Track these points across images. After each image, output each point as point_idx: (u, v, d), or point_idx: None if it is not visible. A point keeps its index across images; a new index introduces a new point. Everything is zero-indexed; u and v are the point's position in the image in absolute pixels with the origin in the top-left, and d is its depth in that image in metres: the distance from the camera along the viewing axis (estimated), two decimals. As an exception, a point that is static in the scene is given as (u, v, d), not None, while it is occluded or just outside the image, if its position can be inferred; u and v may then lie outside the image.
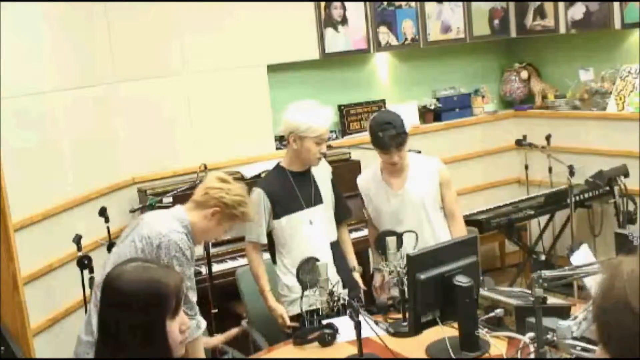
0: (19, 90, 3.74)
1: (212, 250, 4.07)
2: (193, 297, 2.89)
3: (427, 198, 3.53)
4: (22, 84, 3.78)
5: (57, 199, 3.99)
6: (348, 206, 3.68)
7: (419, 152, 4.96)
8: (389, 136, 3.36)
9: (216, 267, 4.20)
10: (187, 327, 1.82)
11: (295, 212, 3.40)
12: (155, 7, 4.65)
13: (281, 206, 3.39)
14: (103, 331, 1.78)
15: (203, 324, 2.94)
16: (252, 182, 4.65)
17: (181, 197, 4.30)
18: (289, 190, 3.40)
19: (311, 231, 3.42)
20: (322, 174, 3.53)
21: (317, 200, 3.46)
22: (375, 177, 3.59)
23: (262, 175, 4.71)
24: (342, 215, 3.61)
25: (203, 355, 2.99)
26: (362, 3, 5.37)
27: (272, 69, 5.09)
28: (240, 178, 4.69)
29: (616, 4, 5.15)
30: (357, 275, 3.62)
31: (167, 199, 4.18)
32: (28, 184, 3.76)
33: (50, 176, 3.97)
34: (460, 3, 5.76)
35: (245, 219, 2.98)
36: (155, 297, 1.73)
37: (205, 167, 4.50)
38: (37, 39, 3.95)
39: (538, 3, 5.71)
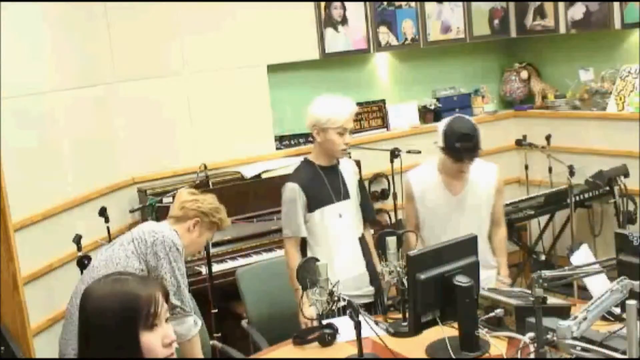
0: (19, 90, 3.74)
1: (212, 250, 4.07)
2: (187, 292, 3.00)
3: (484, 204, 3.51)
4: (22, 84, 3.79)
5: (57, 199, 3.99)
6: (373, 208, 3.69)
7: (419, 152, 4.98)
8: (465, 149, 3.30)
9: (216, 267, 4.20)
10: (171, 340, 1.77)
11: (327, 205, 3.40)
12: (155, 7, 4.65)
13: (314, 199, 3.39)
14: (81, 346, 1.77)
15: (199, 321, 3.01)
16: (251, 182, 4.67)
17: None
18: (320, 183, 3.41)
19: (341, 224, 3.43)
20: (349, 171, 3.54)
21: (345, 194, 3.46)
22: (433, 178, 3.51)
23: (263, 173, 4.72)
24: (367, 216, 3.61)
25: (200, 353, 3.01)
26: (362, 3, 5.37)
27: (272, 69, 5.09)
28: (240, 178, 4.71)
29: (616, 4, 5.15)
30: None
31: (167, 199, 4.18)
32: (28, 184, 3.76)
33: (50, 176, 3.97)
34: (460, 3, 5.76)
35: (224, 225, 3.19)
36: (124, 309, 1.71)
37: (205, 167, 4.51)
38: (37, 39, 3.95)
39: (538, 3, 5.71)
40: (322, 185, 3.40)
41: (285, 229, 3.41)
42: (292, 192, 3.35)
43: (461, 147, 3.30)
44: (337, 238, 3.40)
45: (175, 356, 1.79)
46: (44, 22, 4.02)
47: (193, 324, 2.96)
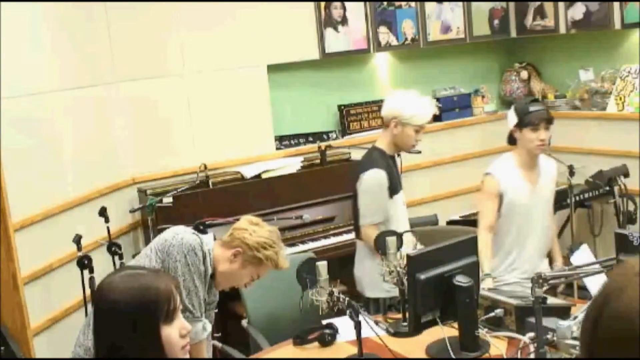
0: (19, 90, 3.73)
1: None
2: (200, 298, 2.91)
3: (551, 195, 3.74)
4: (22, 84, 3.78)
5: (57, 199, 3.99)
6: None
7: (419, 152, 4.97)
8: (540, 111, 3.51)
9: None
10: (187, 331, 1.80)
11: (398, 193, 3.57)
12: (155, 7, 4.65)
13: (392, 186, 3.52)
14: (98, 342, 1.77)
15: (209, 326, 2.95)
16: (252, 182, 4.67)
17: (181, 197, 4.31)
18: (392, 170, 3.55)
19: (404, 213, 3.64)
20: (398, 164, 3.71)
21: (401, 185, 3.65)
22: (514, 171, 3.63)
23: (263, 173, 4.71)
24: None
25: (207, 357, 3.00)
26: (362, 3, 5.37)
27: (272, 69, 5.09)
28: (241, 178, 4.70)
29: (616, 4, 5.15)
30: None
31: (167, 199, 4.19)
32: (28, 184, 3.76)
33: (50, 176, 3.97)
34: (460, 3, 5.76)
35: (273, 263, 2.88)
36: (145, 304, 1.72)
37: (205, 167, 4.51)
38: (37, 39, 3.95)
39: (538, 3, 5.71)
40: (393, 173, 3.56)
41: (373, 216, 3.49)
42: (380, 177, 3.46)
43: (535, 110, 3.51)
44: (404, 225, 3.56)
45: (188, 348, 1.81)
46: (44, 22, 4.01)
47: (201, 329, 2.90)
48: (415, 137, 3.52)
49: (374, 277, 3.43)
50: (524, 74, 6.00)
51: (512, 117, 3.59)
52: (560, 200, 5.11)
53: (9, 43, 3.64)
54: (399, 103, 3.51)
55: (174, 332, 1.76)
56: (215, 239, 2.99)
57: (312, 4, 5.20)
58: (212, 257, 2.88)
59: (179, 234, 2.86)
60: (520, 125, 3.54)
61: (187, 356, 1.82)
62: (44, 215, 3.85)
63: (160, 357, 1.73)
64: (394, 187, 3.53)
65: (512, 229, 3.63)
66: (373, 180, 3.45)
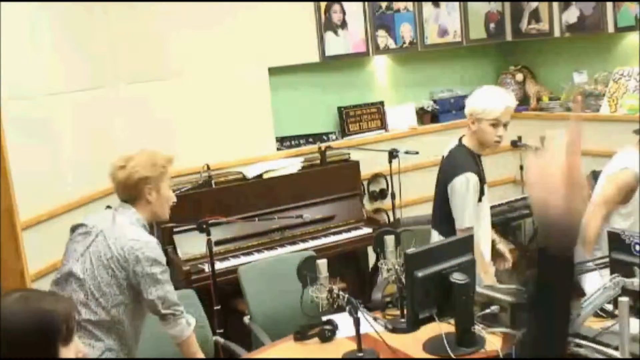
0: (22, 92, 3.76)
1: (215, 249, 4.11)
2: (174, 296, 2.92)
3: None
4: (24, 86, 3.80)
5: (60, 199, 4.01)
6: None
7: (417, 153, 5.04)
8: None
9: (219, 265, 4.23)
10: (83, 354, 1.77)
11: (484, 194, 3.53)
12: (155, 7, 4.68)
13: (481, 191, 3.49)
14: None
15: (192, 320, 2.97)
16: (253, 182, 4.73)
17: (182, 198, 4.36)
18: (480, 172, 3.51)
19: (486, 210, 3.61)
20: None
21: (485, 179, 3.59)
22: None
23: (264, 174, 4.77)
24: None
25: (198, 350, 3.00)
26: (361, 7, 5.44)
27: (273, 71, 5.15)
28: (242, 178, 4.77)
29: (609, 8, 5.23)
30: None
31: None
32: (34, 184, 3.80)
33: (54, 176, 4.00)
34: (457, 7, 5.83)
35: (169, 163, 3.00)
36: (44, 328, 1.68)
37: (208, 167, 4.57)
38: (38, 40, 3.96)
39: (533, 7, 5.79)
40: (481, 174, 3.51)
41: (467, 222, 3.42)
42: (473, 183, 3.41)
43: None
44: (487, 226, 3.58)
45: None
46: (44, 22, 4.02)
47: (186, 324, 2.92)
48: (495, 132, 3.43)
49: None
50: (519, 77, 6.07)
51: None
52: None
53: (9, 44, 3.64)
54: (472, 99, 3.49)
55: (71, 354, 1.72)
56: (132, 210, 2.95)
57: (312, 7, 5.27)
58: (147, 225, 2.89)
59: (137, 250, 2.80)
60: None
61: None
62: (50, 215, 3.88)
63: None
64: (481, 190, 3.48)
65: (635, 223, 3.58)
66: (463, 184, 3.39)
